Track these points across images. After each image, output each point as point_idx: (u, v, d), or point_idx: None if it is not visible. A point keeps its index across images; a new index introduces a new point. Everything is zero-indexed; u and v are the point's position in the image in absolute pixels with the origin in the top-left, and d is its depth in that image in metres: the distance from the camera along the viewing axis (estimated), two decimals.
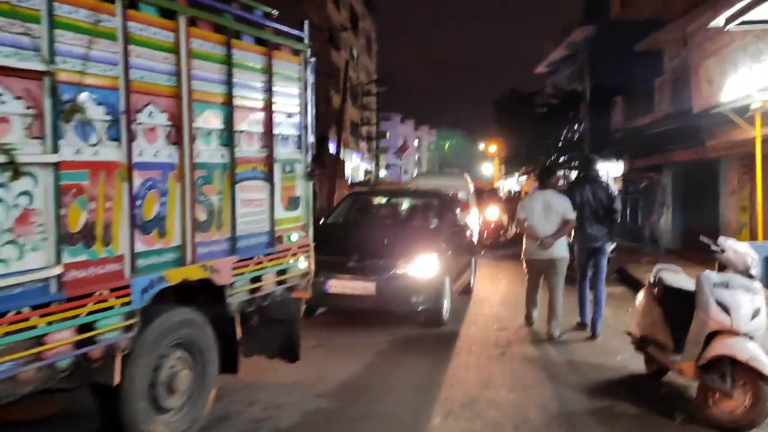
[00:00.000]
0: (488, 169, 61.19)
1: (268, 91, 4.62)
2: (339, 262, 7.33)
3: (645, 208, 13.95)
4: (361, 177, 51.90)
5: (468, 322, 8.28)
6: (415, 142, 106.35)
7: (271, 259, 4.65)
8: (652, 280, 5.86)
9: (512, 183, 44.24)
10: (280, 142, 4.81)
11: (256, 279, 4.50)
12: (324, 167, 31.49)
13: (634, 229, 16.24)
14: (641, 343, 5.80)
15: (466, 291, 9.95)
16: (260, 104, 4.57)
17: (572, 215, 7.23)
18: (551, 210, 7.23)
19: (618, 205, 7.50)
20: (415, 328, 7.72)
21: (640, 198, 15.42)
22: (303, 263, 5.10)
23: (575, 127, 28.58)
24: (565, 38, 29.90)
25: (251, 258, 4.44)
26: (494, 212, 16.96)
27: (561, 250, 7.30)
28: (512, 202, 18.87)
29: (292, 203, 4.95)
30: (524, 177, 38.52)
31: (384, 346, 6.99)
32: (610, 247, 7.64)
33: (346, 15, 47.43)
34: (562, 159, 28.02)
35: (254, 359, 5.08)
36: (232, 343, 4.40)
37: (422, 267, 7.38)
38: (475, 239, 11.29)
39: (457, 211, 10.23)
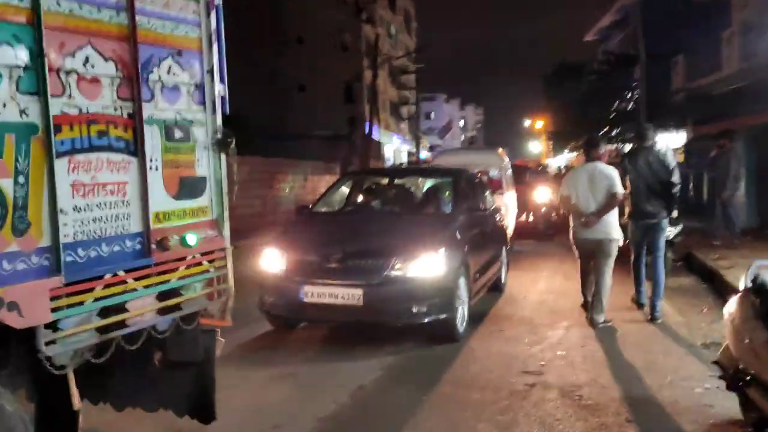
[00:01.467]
0: (536, 146, 58.62)
1: (130, 5, 2.91)
2: (316, 262, 5.64)
3: (715, 182, 11.69)
4: (404, 159, 50.06)
5: (491, 334, 6.45)
6: (461, 122, 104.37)
7: (144, 276, 2.97)
8: (750, 283, 3.94)
9: (561, 160, 41.80)
10: (162, 93, 3.11)
11: (114, 309, 2.84)
12: (354, 149, 29.95)
13: (701, 207, 14.00)
14: (736, 379, 3.89)
15: (496, 287, 8.16)
16: (113, 27, 2.86)
17: (619, 189, 6.48)
18: (596, 184, 6.52)
19: (677, 177, 6.81)
20: (421, 345, 5.96)
21: (707, 170, 13.07)
22: (215, 277, 3.41)
23: (628, 96, 26.13)
24: (614, 1, 27.45)
25: (99, 277, 2.77)
26: (544, 193, 14.64)
27: (610, 229, 6.55)
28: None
29: (188, 188, 3.24)
30: (573, 153, 36.24)
31: (375, 373, 5.24)
32: (668, 224, 7.08)
33: None
34: (614, 132, 25.64)
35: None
36: (66, 417, 2.76)
37: (426, 265, 5.62)
38: (509, 224, 9.45)
39: (485, 192, 8.41)
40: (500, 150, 12.54)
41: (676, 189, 6.81)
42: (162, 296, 3.07)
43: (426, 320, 5.62)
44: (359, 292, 5.46)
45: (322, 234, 6.15)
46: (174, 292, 3.13)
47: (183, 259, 3.18)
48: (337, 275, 5.54)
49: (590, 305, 6.72)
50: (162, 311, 3.08)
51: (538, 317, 7.16)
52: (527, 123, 54.50)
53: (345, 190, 7.92)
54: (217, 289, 3.39)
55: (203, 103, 3.37)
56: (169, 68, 3.16)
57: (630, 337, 6.28)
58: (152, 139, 3.03)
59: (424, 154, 49.40)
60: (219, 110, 3.44)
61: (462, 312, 6.08)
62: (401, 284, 5.53)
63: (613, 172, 6.58)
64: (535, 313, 7.35)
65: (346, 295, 5.48)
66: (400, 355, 5.68)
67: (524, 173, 15.87)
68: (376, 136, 40.99)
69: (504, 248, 8.66)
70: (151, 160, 3.02)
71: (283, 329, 6.32)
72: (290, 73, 39.50)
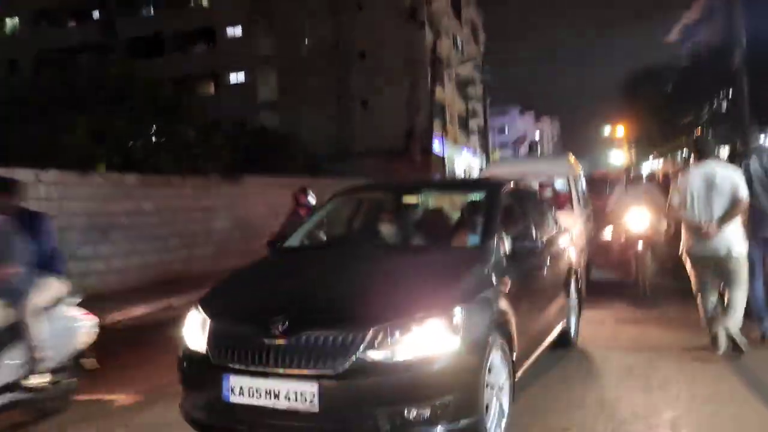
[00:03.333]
0: (617, 156, 54.72)
1: None
2: (251, 336, 3.49)
3: None
4: (475, 174, 47.56)
5: None
6: (536, 134, 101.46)
7: None
8: None
9: (645, 168, 38.35)
10: None
11: None
12: (413, 164, 27.85)
13: None
14: None
15: (562, 342, 5.83)
16: None
17: (745, 192, 5.60)
18: (716, 188, 5.64)
19: None
20: None
21: None
22: None
23: (722, 94, 22.90)
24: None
25: None
26: (639, 216, 8.58)
27: (734, 240, 5.62)
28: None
29: None
30: (659, 160, 33.00)
31: None
32: None
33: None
34: (708, 134, 22.43)
35: None
36: None
37: (427, 339, 3.38)
38: (578, 252, 7.02)
39: (544, 212, 6.10)
40: (569, 157, 10.06)
41: None
42: None
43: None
44: (313, 388, 3.27)
45: (272, 286, 4.01)
46: None
47: None
48: (280, 358, 3.37)
49: (722, 322, 5.61)
50: None
51: (629, 394, 4.76)
52: (607, 131, 50.86)
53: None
54: None
55: None
56: None
57: None
58: None
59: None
60: None
61: (497, 408, 3.79)
62: (384, 373, 3.31)
63: (736, 173, 5.70)
64: (625, 387, 4.95)
65: (293, 393, 3.30)
66: None
67: (603, 187, 13.25)
68: (443, 150, 38.85)
69: (575, 286, 6.29)
70: None
71: None
72: (354, 89, 38.37)
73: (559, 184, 8.92)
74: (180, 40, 43.23)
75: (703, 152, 5.88)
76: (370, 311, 3.46)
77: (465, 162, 49.39)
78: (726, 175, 5.60)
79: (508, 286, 4.23)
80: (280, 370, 3.35)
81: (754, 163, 6.13)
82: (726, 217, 5.54)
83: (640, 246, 8.24)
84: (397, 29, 35.85)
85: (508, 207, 5.17)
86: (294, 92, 38.15)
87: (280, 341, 3.38)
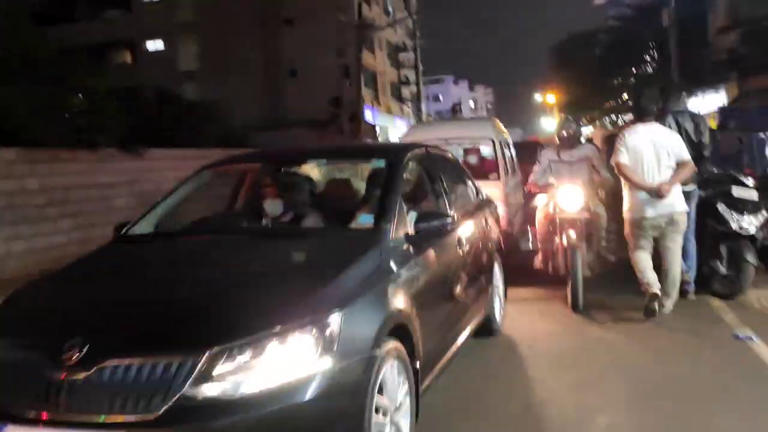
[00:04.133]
0: (550, 123, 55.00)
1: None
2: (36, 365, 2.49)
3: None
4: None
5: None
6: (471, 103, 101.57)
7: None
8: None
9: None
10: None
11: None
12: (342, 134, 26.76)
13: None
14: None
15: (486, 330, 5.06)
16: None
17: (688, 155, 5.55)
18: (663, 149, 5.51)
19: (707, 137, 6.23)
20: None
21: None
22: None
23: (651, 56, 22.68)
24: None
25: None
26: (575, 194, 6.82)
27: (681, 200, 5.60)
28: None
29: None
30: (589, 127, 32.98)
31: None
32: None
33: None
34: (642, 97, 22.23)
35: None
36: None
37: (284, 363, 2.48)
38: (499, 230, 6.18)
39: (461, 180, 5.26)
40: (494, 120, 9.23)
41: (707, 152, 6.27)
42: None
43: None
44: None
45: (83, 292, 2.99)
46: None
47: None
48: (74, 400, 2.39)
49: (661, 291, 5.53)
50: None
51: (559, 395, 4.00)
52: (538, 99, 50.88)
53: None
54: None
55: None
56: None
57: None
58: None
59: None
60: None
61: None
62: (223, 415, 2.37)
63: (678, 137, 5.71)
64: (555, 384, 4.19)
65: None
66: None
67: (534, 154, 12.52)
68: (374, 119, 37.82)
69: (499, 266, 5.50)
70: None
71: None
72: (281, 57, 36.70)
73: (485, 149, 8.10)
74: (93, 5, 40.32)
75: (645, 111, 5.73)
76: (208, 327, 2.52)
77: (400, 131, 48.52)
78: (672, 139, 5.59)
79: (410, 276, 3.36)
80: (74, 417, 2.37)
81: (668, 122, 6.10)
82: (676, 177, 5.48)
83: (572, 236, 6.03)
84: None
85: (416, 177, 4.28)
86: (219, 61, 36.23)
87: (76, 375, 2.40)
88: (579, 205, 6.13)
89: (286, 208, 4.27)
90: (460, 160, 8.31)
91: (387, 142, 6.10)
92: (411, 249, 3.51)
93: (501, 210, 6.62)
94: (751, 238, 6.06)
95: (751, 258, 5.97)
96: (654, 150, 5.50)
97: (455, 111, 59.18)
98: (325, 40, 33.69)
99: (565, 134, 6.70)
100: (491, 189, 7.00)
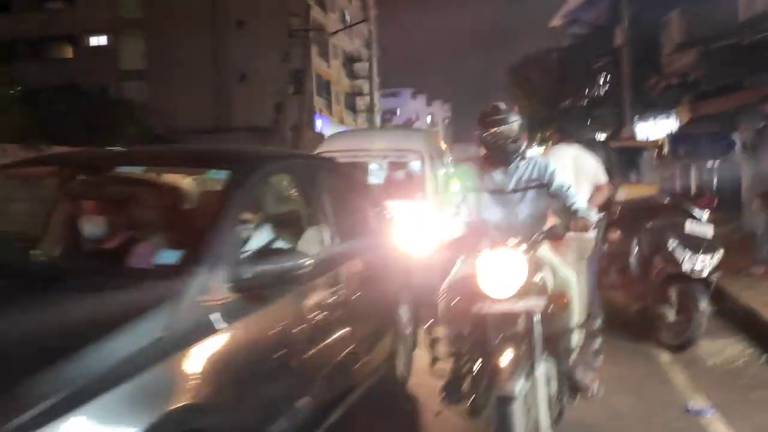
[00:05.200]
0: None
1: None
2: None
3: (755, 173, 7.60)
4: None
5: None
6: (428, 118, 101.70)
7: None
8: None
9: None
10: None
11: None
12: (284, 143, 25.54)
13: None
14: None
15: (390, 382, 4.03)
16: None
17: (604, 178, 4.99)
18: (581, 173, 4.85)
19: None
20: None
21: (745, 155, 8.70)
22: None
23: (605, 77, 22.24)
24: None
25: None
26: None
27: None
28: None
29: None
30: (541, 148, 32.71)
31: None
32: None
33: None
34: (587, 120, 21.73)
35: None
36: None
37: None
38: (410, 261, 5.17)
39: (361, 203, 4.21)
40: (430, 132, 8.21)
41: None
42: None
43: None
44: None
45: None
46: None
47: None
48: None
49: None
50: None
51: None
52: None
53: None
54: None
55: None
56: None
57: None
58: None
59: None
60: None
61: None
62: None
63: (596, 160, 5.08)
64: None
65: None
66: None
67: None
68: (326, 129, 36.69)
69: (406, 309, 4.45)
70: None
71: None
72: (230, 60, 35.30)
73: (414, 164, 7.03)
74: None
75: (564, 132, 5.33)
76: None
77: None
78: (588, 161, 5.00)
79: (233, 346, 2.28)
80: None
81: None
82: (593, 201, 4.78)
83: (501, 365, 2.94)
84: None
85: (279, 197, 3.20)
86: (165, 61, 34.68)
87: None
88: (517, 283, 3.03)
89: (114, 228, 3.14)
90: (383, 175, 7.31)
91: (242, 148, 5.11)
92: (241, 302, 2.42)
93: (422, 238, 5.63)
94: (705, 282, 5.20)
95: (704, 304, 5.09)
96: (574, 172, 4.76)
97: (386, 120, 58.39)
98: (277, 45, 32.55)
99: (490, 138, 3.40)
100: (414, 212, 6.02)
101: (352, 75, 47.33)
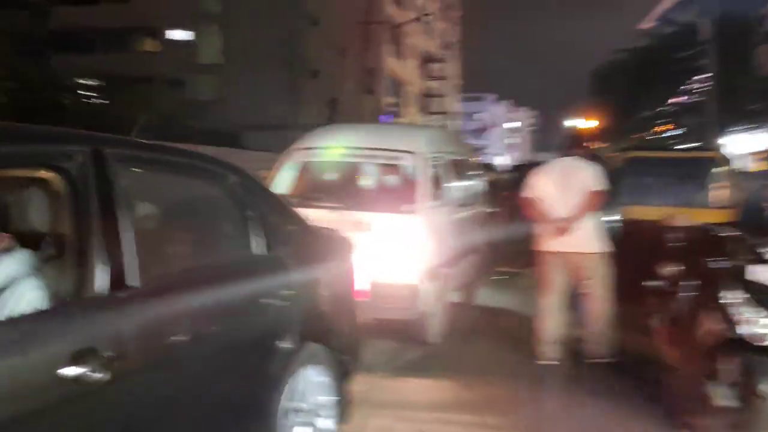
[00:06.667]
0: None
1: None
2: None
3: None
4: None
5: None
6: (511, 124, 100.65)
7: None
8: None
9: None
10: None
11: None
12: None
13: None
14: None
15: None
16: None
17: (598, 186, 5.11)
18: (570, 182, 5.14)
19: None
20: None
21: None
22: None
23: (692, 83, 20.16)
24: None
25: None
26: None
27: (591, 239, 5.08)
28: None
29: None
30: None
31: None
32: None
33: None
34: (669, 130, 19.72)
35: None
36: None
37: None
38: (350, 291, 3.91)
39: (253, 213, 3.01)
40: (437, 130, 6.90)
41: None
42: None
43: None
44: None
45: None
46: None
47: None
48: None
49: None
50: None
51: None
52: (570, 124, 48.42)
53: None
54: None
55: None
56: None
57: None
58: None
59: None
60: None
61: None
62: None
63: (594, 169, 5.13)
64: None
65: None
66: None
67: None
68: None
69: (326, 368, 3.22)
70: None
71: None
72: (303, 58, 34.89)
73: (408, 166, 5.69)
74: None
75: (566, 147, 5.55)
76: None
77: None
78: (581, 170, 5.16)
79: None
80: None
81: None
82: (577, 212, 5.01)
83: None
84: None
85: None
86: (240, 57, 34.78)
87: None
88: None
89: None
90: (375, 179, 6.09)
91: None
92: None
93: (407, 262, 4.53)
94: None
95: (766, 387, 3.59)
96: (561, 183, 5.18)
97: (482, 131, 57.11)
98: (350, 43, 31.93)
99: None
100: (395, 229, 4.81)
101: (430, 76, 46.20)
